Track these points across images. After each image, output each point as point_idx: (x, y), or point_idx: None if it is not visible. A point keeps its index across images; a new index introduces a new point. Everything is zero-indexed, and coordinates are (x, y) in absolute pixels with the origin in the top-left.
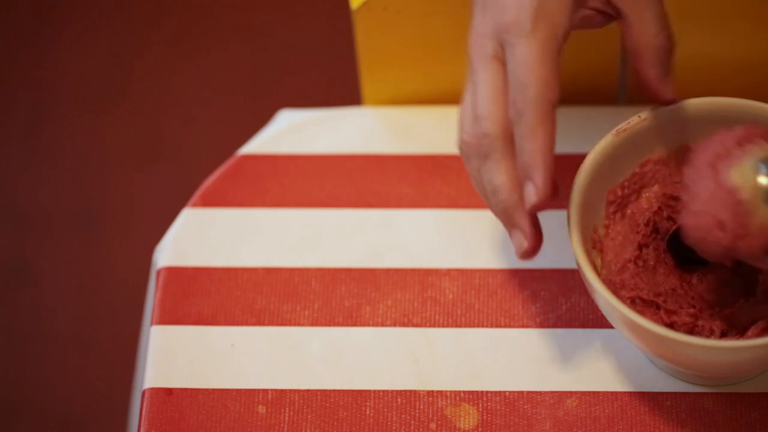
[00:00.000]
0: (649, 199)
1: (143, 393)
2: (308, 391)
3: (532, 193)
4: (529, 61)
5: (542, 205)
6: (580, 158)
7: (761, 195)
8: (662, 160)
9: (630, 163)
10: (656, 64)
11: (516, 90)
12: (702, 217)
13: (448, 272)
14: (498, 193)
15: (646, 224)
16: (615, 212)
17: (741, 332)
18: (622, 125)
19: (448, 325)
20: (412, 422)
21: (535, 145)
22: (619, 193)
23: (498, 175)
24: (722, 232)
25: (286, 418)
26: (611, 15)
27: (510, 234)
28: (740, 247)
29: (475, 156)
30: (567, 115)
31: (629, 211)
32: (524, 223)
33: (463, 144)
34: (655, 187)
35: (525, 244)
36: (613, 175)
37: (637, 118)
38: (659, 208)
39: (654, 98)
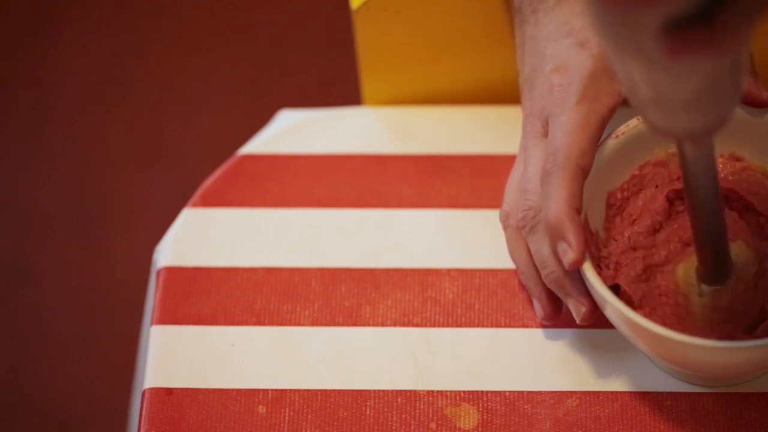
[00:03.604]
0: (644, 199)
1: (143, 393)
2: (308, 391)
3: (568, 251)
4: (567, 127)
5: (580, 261)
6: None
7: (694, 290)
8: (661, 162)
9: (629, 166)
10: (746, 72)
11: (549, 152)
12: (659, 297)
13: (448, 272)
14: (546, 264)
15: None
16: (615, 215)
17: (748, 331)
18: (621, 128)
19: (448, 325)
20: (412, 422)
21: (559, 205)
22: (619, 196)
23: (545, 247)
24: (671, 312)
25: (286, 418)
26: None
27: (566, 302)
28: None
29: (515, 227)
30: None
31: (627, 213)
32: (575, 290)
33: (503, 214)
34: (652, 188)
35: (583, 309)
36: (613, 178)
37: (636, 121)
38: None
39: (753, 103)
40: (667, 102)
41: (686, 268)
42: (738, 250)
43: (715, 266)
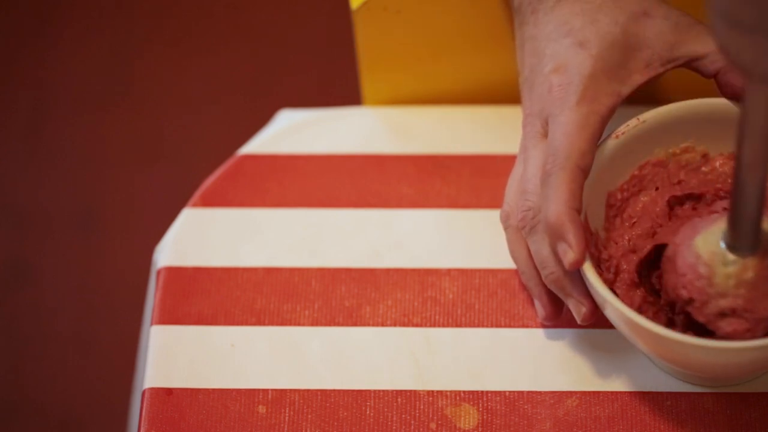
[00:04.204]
0: (644, 202)
1: (143, 393)
2: (308, 391)
3: (568, 252)
4: (567, 128)
5: (580, 261)
6: None
7: (719, 259)
8: (661, 162)
9: (629, 166)
10: None
11: (549, 153)
12: (677, 278)
13: (448, 272)
14: (546, 265)
15: (645, 230)
16: (615, 216)
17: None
18: (621, 128)
19: (448, 325)
20: (412, 422)
21: (559, 206)
22: (619, 197)
23: (544, 247)
24: (692, 289)
25: (286, 418)
26: (674, 66)
27: (566, 302)
28: (707, 304)
29: (515, 228)
30: None
31: (627, 215)
32: (576, 290)
33: (503, 214)
34: (652, 192)
35: (583, 309)
36: (613, 179)
37: (636, 121)
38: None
39: None
40: (765, 29)
41: (705, 239)
42: None
43: (750, 229)
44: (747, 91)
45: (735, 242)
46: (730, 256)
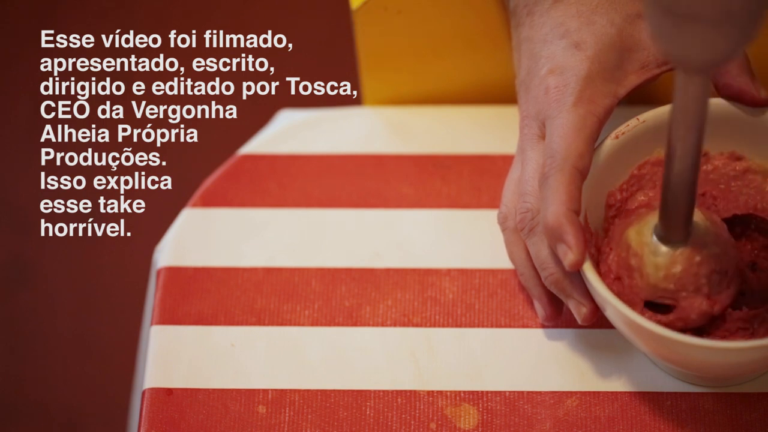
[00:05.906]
0: (641, 202)
1: (143, 393)
2: (308, 391)
3: (568, 253)
4: (564, 130)
5: (580, 262)
6: None
7: (649, 249)
8: (660, 161)
9: (629, 166)
10: (742, 71)
11: (546, 155)
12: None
13: (448, 272)
14: (546, 266)
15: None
16: (614, 216)
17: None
18: (621, 128)
19: (448, 325)
20: (412, 422)
21: (558, 207)
22: (618, 197)
23: (544, 248)
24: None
25: (286, 418)
26: (670, 68)
27: (567, 303)
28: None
29: (513, 229)
30: None
31: (623, 215)
32: (576, 291)
33: (501, 216)
34: (650, 191)
35: (584, 309)
36: (613, 179)
37: (636, 121)
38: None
39: (752, 103)
40: (700, 17)
41: (638, 230)
42: (698, 218)
43: (681, 221)
44: (679, 82)
45: (666, 234)
46: (661, 247)
